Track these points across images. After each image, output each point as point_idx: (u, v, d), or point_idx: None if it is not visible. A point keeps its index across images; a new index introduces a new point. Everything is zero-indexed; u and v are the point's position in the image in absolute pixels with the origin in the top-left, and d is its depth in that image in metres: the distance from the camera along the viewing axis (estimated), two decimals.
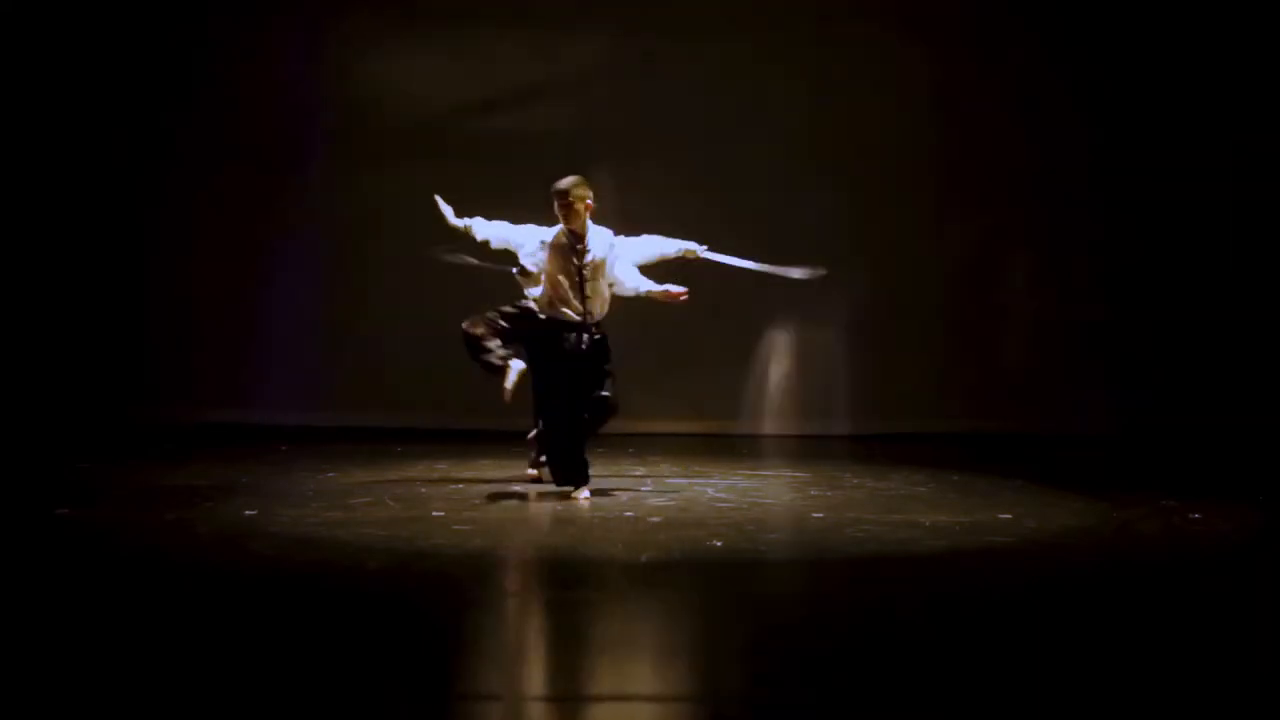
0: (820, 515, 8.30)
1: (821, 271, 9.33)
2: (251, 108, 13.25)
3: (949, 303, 13.33)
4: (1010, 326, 13.36)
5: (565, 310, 8.59)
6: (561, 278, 8.60)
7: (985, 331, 13.34)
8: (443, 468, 10.14)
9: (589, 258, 8.59)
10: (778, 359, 9.75)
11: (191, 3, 13.28)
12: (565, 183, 8.63)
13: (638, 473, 9.92)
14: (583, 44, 13.46)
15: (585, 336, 8.58)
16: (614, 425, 10.95)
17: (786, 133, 13.26)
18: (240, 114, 13.24)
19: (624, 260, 8.82)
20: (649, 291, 8.85)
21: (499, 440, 9.72)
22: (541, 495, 8.99)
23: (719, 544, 7.38)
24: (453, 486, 9.29)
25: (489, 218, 8.96)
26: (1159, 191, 13.22)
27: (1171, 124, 13.19)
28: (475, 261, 9.04)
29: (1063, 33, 13.33)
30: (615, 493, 8.98)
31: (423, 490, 8.80)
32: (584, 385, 8.60)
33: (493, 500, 8.82)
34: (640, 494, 9.09)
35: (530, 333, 8.80)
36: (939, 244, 13.33)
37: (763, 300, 12.93)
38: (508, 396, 8.71)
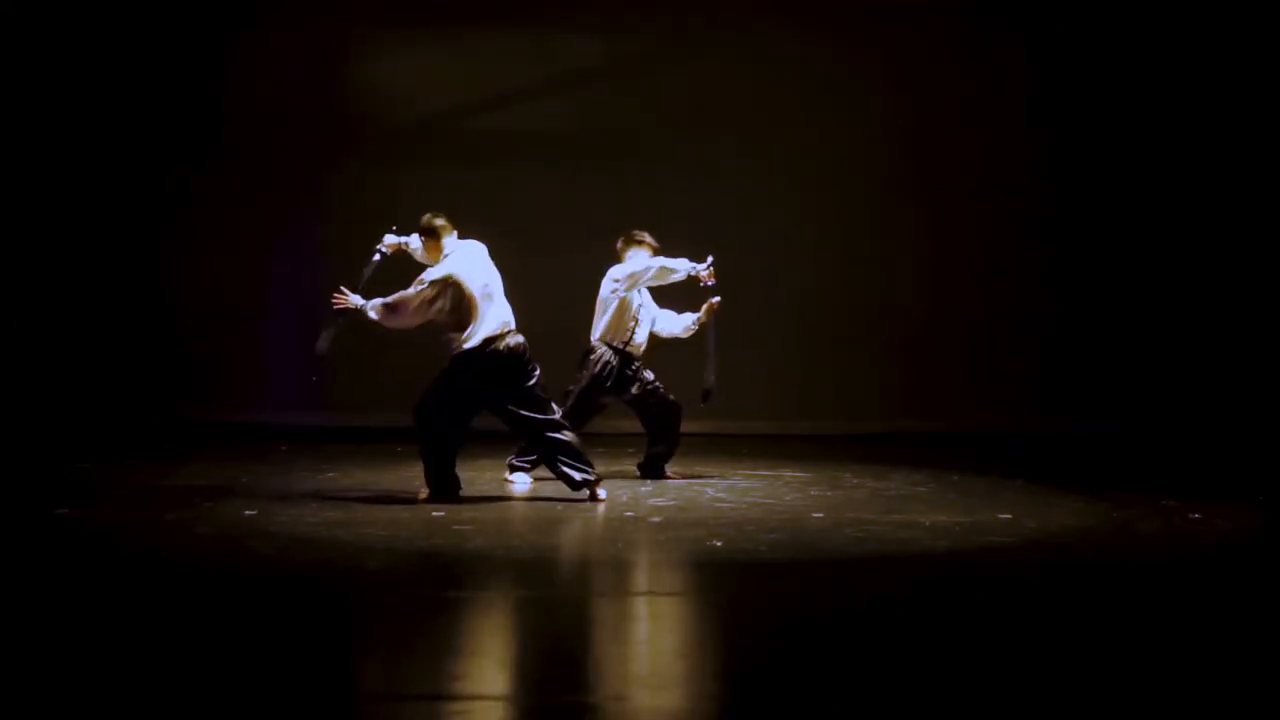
0: (820, 515, 8.29)
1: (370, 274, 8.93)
2: (254, 111, 13.27)
3: (949, 303, 13.34)
4: (1011, 327, 13.36)
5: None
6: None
7: (985, 332, 13.34)
8: None
9: None
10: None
11: (193, 7, 13.28)
12: None
13: (638, 473, 9.90)
14: (583, 44, 13.49)
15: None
16: (614, 426, 11.02)
17: (787, 133, 13.28)
18: (241, 117, 13.26)
19: None
20: None
21: (498, 441, 9.70)
22: (540, 496, 9.01)
23: (719, 544, 7.37)
24: None
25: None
26: (1159, 189, 13.24)
27: (1164, 111, 13.26)
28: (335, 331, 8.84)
29: (1023, 38, 13.41)
30: (615, 493, 8.97)
31: (422, 490, 8.78)
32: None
33: (492, 500, 8.83)
34: (640, 494, 9.09)
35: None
36: (939, 245, 13.34)
37: (761, 300, 12.94)
38: None
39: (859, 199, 13.26)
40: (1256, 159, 13.16)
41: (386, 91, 13.38)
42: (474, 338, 8.47)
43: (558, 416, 8.72)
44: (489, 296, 8.52)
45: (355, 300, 8.55)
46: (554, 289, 12.25)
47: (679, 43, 13.42)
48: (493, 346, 8.48)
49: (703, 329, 9.82)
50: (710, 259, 9.47)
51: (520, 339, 8.56)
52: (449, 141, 13.38)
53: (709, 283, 9.53)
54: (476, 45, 13.39)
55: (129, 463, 10.51)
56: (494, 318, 8.51)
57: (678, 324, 9.89)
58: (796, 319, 13.18)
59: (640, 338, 9.68)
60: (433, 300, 8.44)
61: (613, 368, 9.55)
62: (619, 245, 9.72)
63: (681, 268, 9.47)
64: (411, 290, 8.49)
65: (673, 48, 13.44)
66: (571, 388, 9.52)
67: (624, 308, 9.56)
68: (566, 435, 8.66)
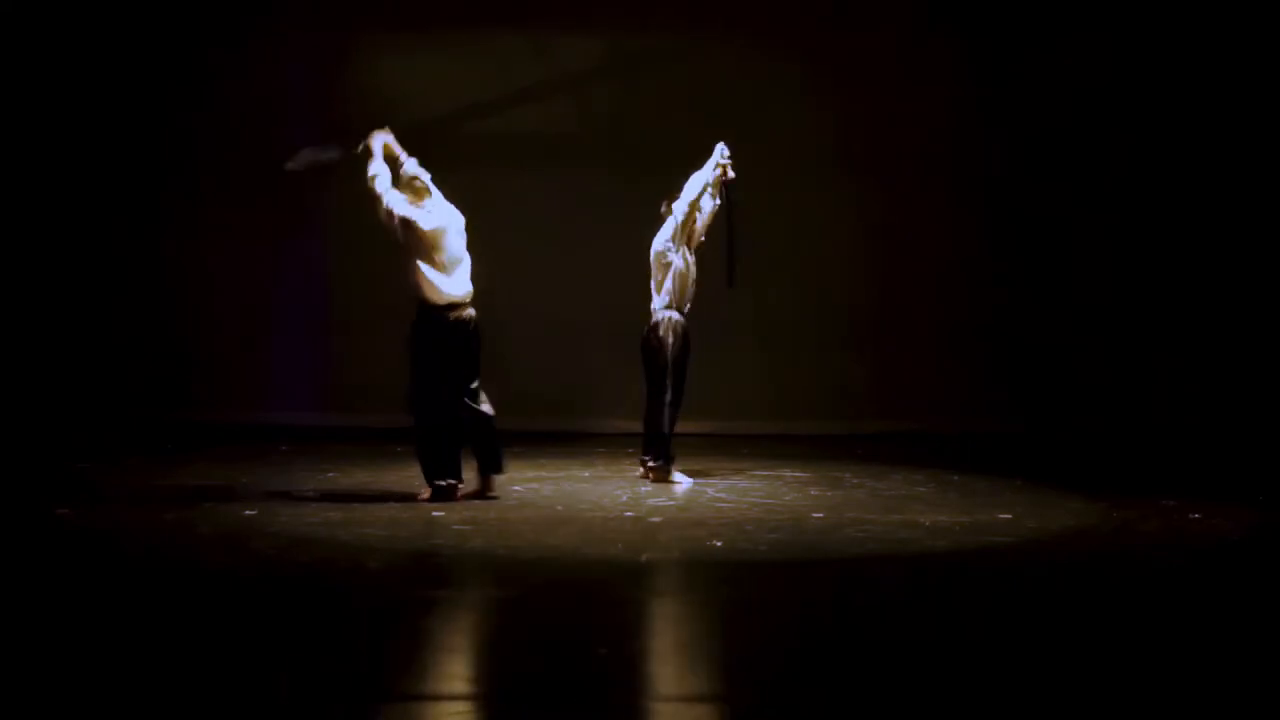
0: (820, 515, 8.30)
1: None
2: (254, 110, 13.26)
3: (950, 303, 13.33)
4: (1011, 327, 13.36)
5: None
6: None
7: (986, 333, 13.34)
8: None
9: None
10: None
11: (196, 7, 13.28)
12: None
13: (638, 472, 9.90)
14: (583, 44, 13.49)
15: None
16: (614, 426, 11.01)
17: (785, 134, 13.27)
18: (243, 117, 13.25)
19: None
20: None
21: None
22: (540, 496, 9.01)
23: (719, 544, 7.37)
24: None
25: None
26: (1158, 189, 13.24)
27: (1160, 106, 13.27)
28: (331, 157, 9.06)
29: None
30: (615, 493, 8.98)
31: (423, 490, 8.78)
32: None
33: (492, 500, 8.83)
34: (640, 494, 9.09)
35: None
36: (939, 245, 13.34)
37: (761, 299, 12.93)
38: None
39: (858, 199, 13.25)
40: (1256, 158, 13.15)
41: (389, 93, 13.37)
42: (430, 295, 8.55)
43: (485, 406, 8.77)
44: (448, 262, 8.60)
45: (376, 143, 8.80)
46: (554, 289, 12.27)
47: (679, 43, 13.40)
48: (449, 314, 8.56)
49: (723, 204, 9.78)
50: (722, 146, 9.58)
51: (473, 312, 8.65)
52: (449, 143, 13.34)
53: (730, 172, 9.66)
54: (477, 47, 13.38)
55: (129, 463, 10.51)
56: (452, 285, 8.59)
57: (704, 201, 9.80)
58: (797, 319, 13.17)
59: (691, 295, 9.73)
60: (385, 218, 8.64)
61: (684, 328, 9.58)
62: (663, 209, 9.74)
63: (699, 184, 9.57)
64: (391, 194, 8.66)
65: (673, 48, 13.42)
66: (662, 364, 9.50)
67: (685, 266, 9.58)
68: (487, 414, 8.71)
